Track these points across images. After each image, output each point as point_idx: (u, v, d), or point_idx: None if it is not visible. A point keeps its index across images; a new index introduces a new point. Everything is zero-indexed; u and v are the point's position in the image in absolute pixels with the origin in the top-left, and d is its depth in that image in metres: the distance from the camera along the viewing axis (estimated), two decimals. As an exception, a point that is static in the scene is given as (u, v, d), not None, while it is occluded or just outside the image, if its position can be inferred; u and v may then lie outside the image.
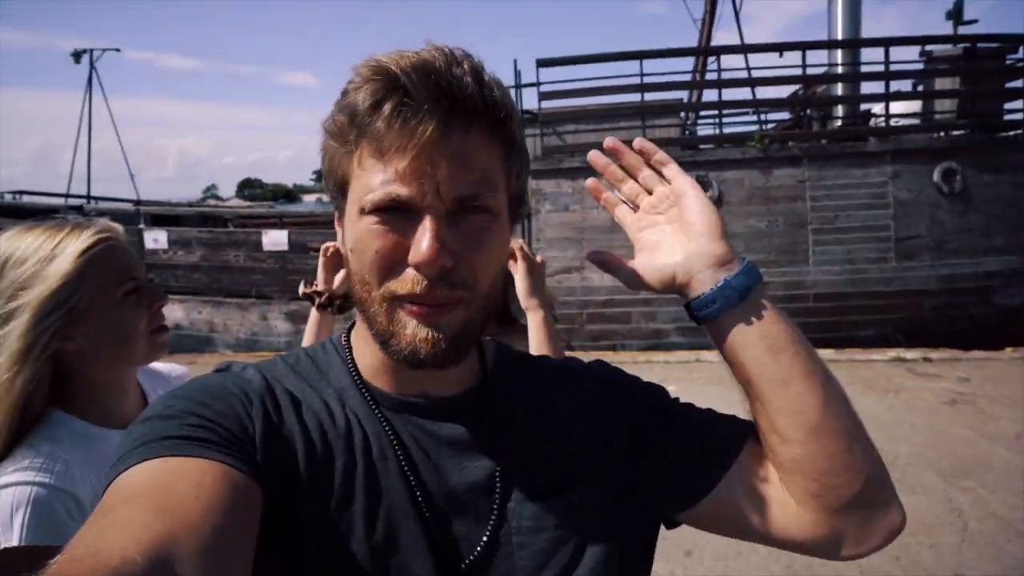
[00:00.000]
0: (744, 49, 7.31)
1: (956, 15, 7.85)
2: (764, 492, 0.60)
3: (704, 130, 9.36)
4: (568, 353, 1.07)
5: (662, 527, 0.67)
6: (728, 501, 0.61)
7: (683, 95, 8.78)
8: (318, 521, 0.52)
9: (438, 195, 0.49)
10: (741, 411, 0.64)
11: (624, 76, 7.14)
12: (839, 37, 7.73)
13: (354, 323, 0.64)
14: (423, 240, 0.49)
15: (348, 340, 0.63)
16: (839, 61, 7.53)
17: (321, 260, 1.39)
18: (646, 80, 7.05)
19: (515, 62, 7.29)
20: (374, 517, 0.54)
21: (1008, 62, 7.18)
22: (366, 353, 0.60)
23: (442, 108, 0.49)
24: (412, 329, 0.52)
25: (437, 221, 0.50)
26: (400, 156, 0.49)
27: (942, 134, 6.99)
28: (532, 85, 6.96)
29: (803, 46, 6.86)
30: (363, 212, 0.51)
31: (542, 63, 6.94)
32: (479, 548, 0.56)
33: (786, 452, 0.58)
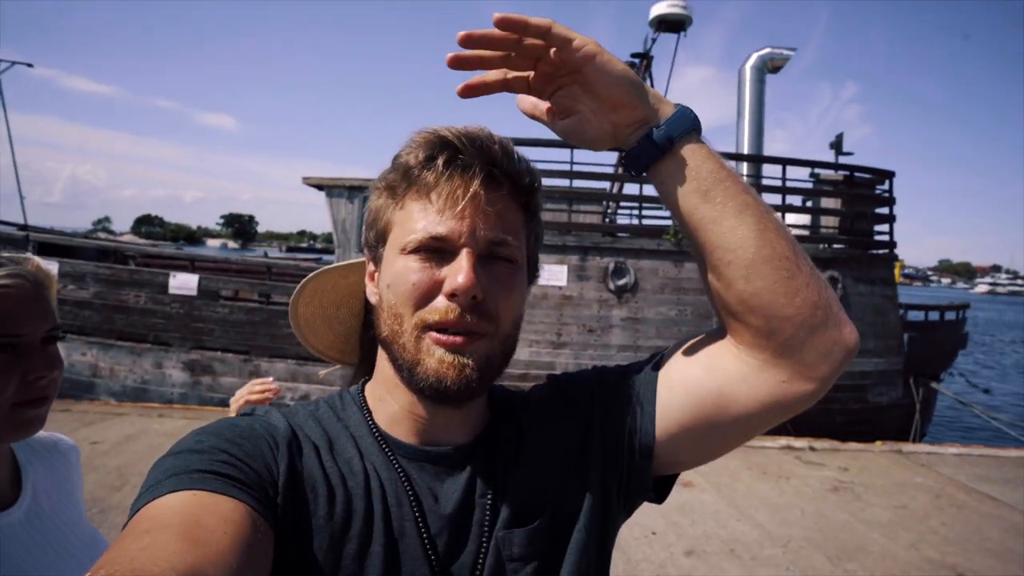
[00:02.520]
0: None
1: (837, 146, 9.08)
2: (720, 376, 0.61)
3: (623, 220, 10.05)
4: None
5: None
6: (691, 413, 0.62)
7: (606, 185, 9.43)
8: (336, 563, 0.54)
9: (474, 236, 0.56)
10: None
11: (554, 162, 7.64)
12: (745, 151, 8.71)
13: (368, 378, 0.69)
14: (460, 270, 0.55)
15: (363, 392, 0.67)
16: (744, 172, 8.44)
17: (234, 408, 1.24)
18: (575, 168, 7.54)
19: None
20: (390, 559, 0.56)
21: (877, 192, 8.34)
22: (382, 404, 0.63)
23: (484, 166, 0.57)
24: (439, 355, 0.56)
25: (473, 256, 0.56)
26: (444, 202, 0.56)
27: (827, 246, 7.89)
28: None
29: (714, 156, 7.65)
30: (404, 251, 0.58)
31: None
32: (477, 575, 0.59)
33: (732, 294, 0.59)
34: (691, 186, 0.59)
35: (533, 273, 0.66)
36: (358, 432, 0.62)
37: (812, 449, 5.88)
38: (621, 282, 6.94)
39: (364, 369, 1.29)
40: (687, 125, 0.59)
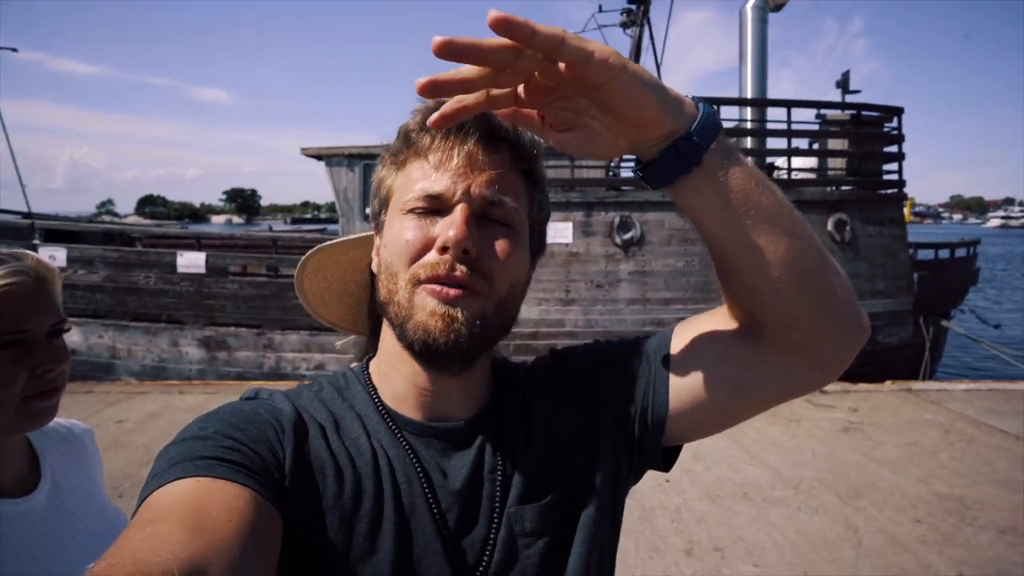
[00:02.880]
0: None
1: (844, 85, 8.83)
2: (736, 365, 0.62)
3: (627, 173, 9.91)
4: None
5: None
6: (704, 397, 0.63)
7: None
8: (348, 543, 0.54)
9: (468, 194, 0.56)
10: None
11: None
12: (749, 96, 8.50)
13: (372, 355, 0.68)
14: (453, 222, 0.55)
15: (367, 370, 0.67)
16: (748, 117, 8.26)
17: None
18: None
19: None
20: (402, 537, 0.56)
21: (885, 130, 8.16)
22: (387, 381, 0.63)
23: (480, 129, 0.57)
24: (431, 307, 0.55)
25: (467, 210, 0.56)
26: (440, 161, 0.57)
27: (834, 188, 7.78)
28: (467, 120, 7.12)
29: (718, 102, 7.48)
30: (401, 212, 0.58)
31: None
32: (487, 554, 0.59)
33: (764, 314, 0.58)
34: (718, 201, 0.53)
35: (538, 246, 0.66)
36: (364, 410, 0.62)
37: (822, 392, 5.95)
38: (627, 236, 6.91)
39: (371, 344, 1.33)
40: (714, 131, 0.51)
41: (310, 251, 1.20)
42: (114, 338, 7.19)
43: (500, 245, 0.58)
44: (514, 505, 0.61)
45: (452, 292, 0.55)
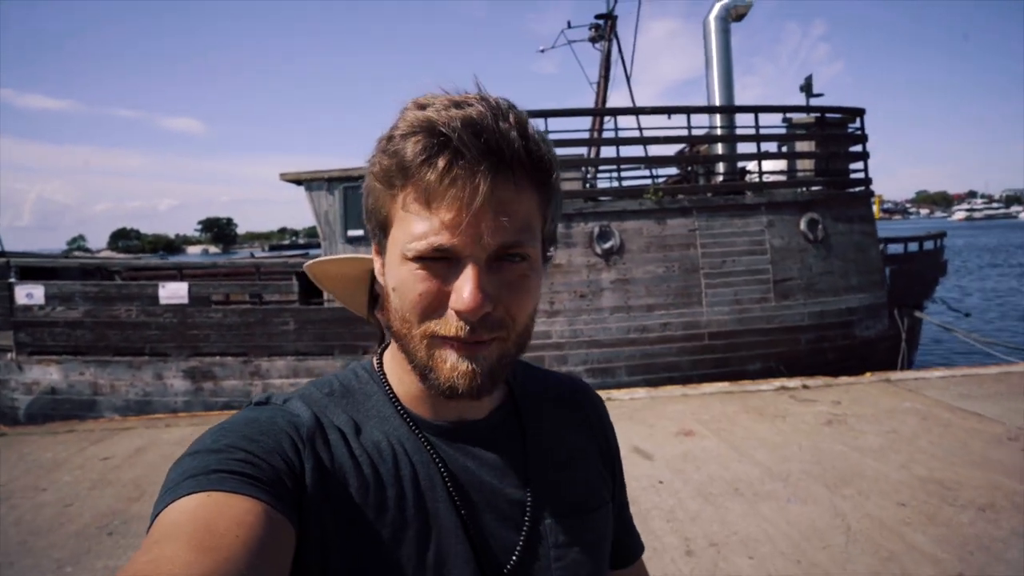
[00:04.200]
0: (637, 111, 8.08)
1: (807, 89, 9.12)
2: None
3: (602, 183, 10.09)
4: None
5: None
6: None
7: (583, 151, 9.46)
8: (371, 551, 0.54)
9: (480, 244, 0.51)
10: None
11: (530, 132, 7.61)
12: (717, 103, 8.75)
13: (384, 348, 0.67)
14: (465, 288, 0.51)
15: (381, 367, 0.65)
16: (718, 124, 8.49)
17: None
18: (552, 136, 7.53)
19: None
20: (425, 543, 0.56)
21: (849, 130, 8.44)
22: (404, 381, 0.62)
23: (491, 165, 0.50)
24: (452, 363, 0.54)
25: (478, 269, 0.51)
26: (447, 210, 0.50)
27: (805, 189, 8.01)
28: (444, 139, 7.21)
29: (688, 110, 7.69)
30: (406, 258, 0.53)
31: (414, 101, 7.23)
32: (515, 556, 0.60)
33: None
34: None
35: (549, 253, 0.62)
36: (383, 412, 0.61)
37: (805, 387, 6.09)
38: (607, 245, 7.04)
39: (379, 340, 1.43)
40: None
41: (308, 262, 1.33)
42: (96, 374, 7.09)
43: (517, 285, 0.55)
44: (543, 511, 0.62)
45: (471, 349, 0.54)
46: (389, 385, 0.63)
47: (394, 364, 0.63)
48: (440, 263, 0.52)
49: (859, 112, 8.26)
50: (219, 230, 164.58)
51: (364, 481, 0.56)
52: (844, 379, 6.30)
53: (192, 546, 0.42)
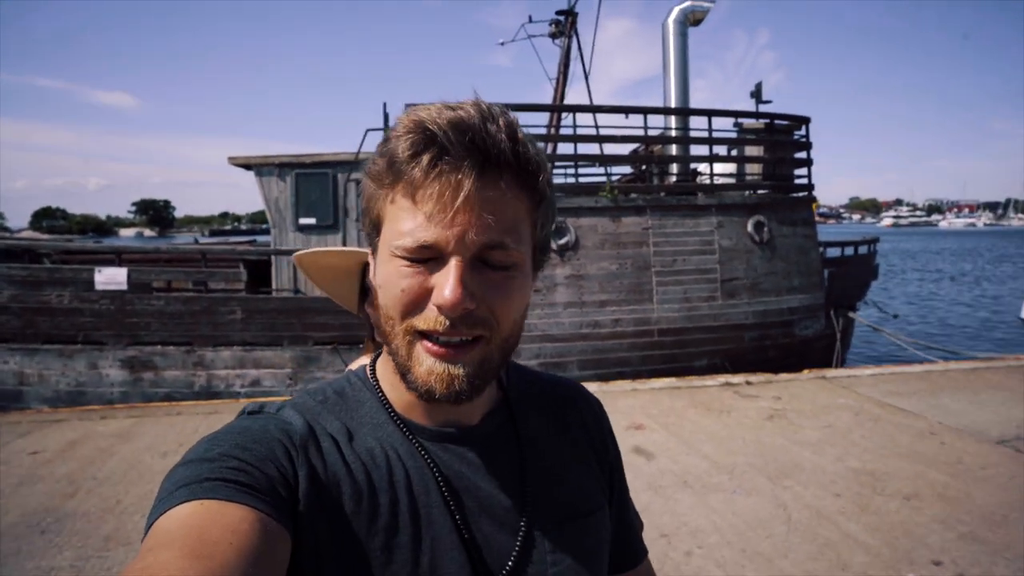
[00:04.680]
0: (595, 109, 8.18)
1: (757, 95, 9.46)
2: None
3: (558, 180, 10.19)
4: None
5: None
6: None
7: (540, 146, 9.48)
8: (364, 558, 0.54)
9: (463, 242, 0.51)
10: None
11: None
12: (672, 105, 8.96)
13: (377, 356, 0.67)
14: (447, 283, 0.51)
15: (375, 374, 0.65)
16: (673, 125, 8.70)
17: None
18: (510, 131, 7.54)
19: (384, 104, 7.43)
20: (419, 549, 0.56)
21: (795, 137, 8.82)
22: (397, 387, 0.61)
23: (475, 162, 0.51)
24: (428, 365, 0.54)
25: (462, 265, 0.52)
26: (432, 205, 0.51)
27: (752, 192, 8.32)
28: (402, 128, 7.11)
29: (644, 111, 7.84)
30: (393, 255, 0.54)
31: (411, 107, 7.14)
32: (511, 562, 0.59)
33: None
34: None
35: (541, 259, 0.61)
36: (376, 419, 0.61)
37: (748, 383, 6.35)
38: (562, 241, 7.11)
39: (369, 335, 1.44)
40: None
41: (297, 253, 1.34)
42: (22, 363, 6.67)
43: (501, 288, 0.54)
44: (538, 516, 0.62)
45: (450, 351, 0.54)
46: (382, 391, 0.63)
47: (387, 371, 0.63)
48: (425, 261, 0.53)
49: (805, 120, 8.64)
50: (155, 212, 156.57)
51: (357, 488, 0.56)
52: (784, 376, 6.61)
53: (185, 553, 0.42)
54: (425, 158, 0.51)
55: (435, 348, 0.53)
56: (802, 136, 8.75)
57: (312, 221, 7.50)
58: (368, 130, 7.01)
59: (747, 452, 4.38)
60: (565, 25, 10.16)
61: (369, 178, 0.56)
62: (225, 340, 6.66)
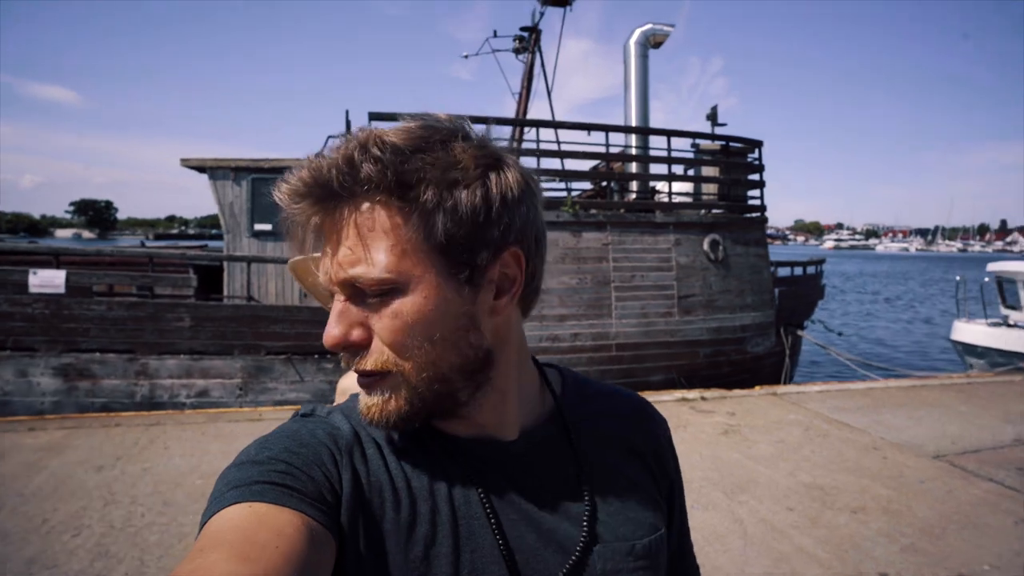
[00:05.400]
0: (557, 125, 8.28)
1: (713, 118, 9.80)
2: None
3: (520, 193, 10.20)
4: None
5: None
6: None
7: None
8: (403, 568, 0.54)
9: (332, 281, 0.53)
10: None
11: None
12: (633, 124, 9.16)
13: None
14: (328, 323, 0.54)
15: None
16: (633, 144, 8.89)
17: None
18: (474, 143, 7.55)
19: (346, 112, 7.32)
20: (458, 561, 0.55)
21: (749, 159, 9.14)
22: None
23: (313, 204, 0.52)
24: (362, 397, 0.56)
25: (339, 303, 0.53)
26: (310, 253, 0.55)
27: (707, 211, 8.57)
28: (365, 136, 7.02)
29: (606, 128, 7.99)
30: None
31: (374, 116, 7.06)
32: None
33: None
34: None
35: (461, 264, 0.54)
36: (417, 427, 0.60)
37: (703, 399, 6.49)
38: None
39: None
40: None
41: (295, 258, 1.28)
42: (-59, 370, 6.19)
43: (388, 311, 0.53)
44: (590, 537, 0.60)
45: (365, 381, 0.55)
46: None
47: None
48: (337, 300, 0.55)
49: (758, 143, 8.97)
50: (95, 213, 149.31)
51: (398, 495, 0.56)
52: (737, 392, 6.78)
53: (233, 556, 0.43)
54: (285, 215, 0.53)
55: (361, 380, 0.56)
56: (755, 159, 9.08)
57: (268, 227, 7.28)
58: (329, 137, 6.89)
59: (704, 467, 4.45)
60: (529, 41, 10.29)
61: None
62: (171, 348, 6.36)
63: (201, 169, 7.28)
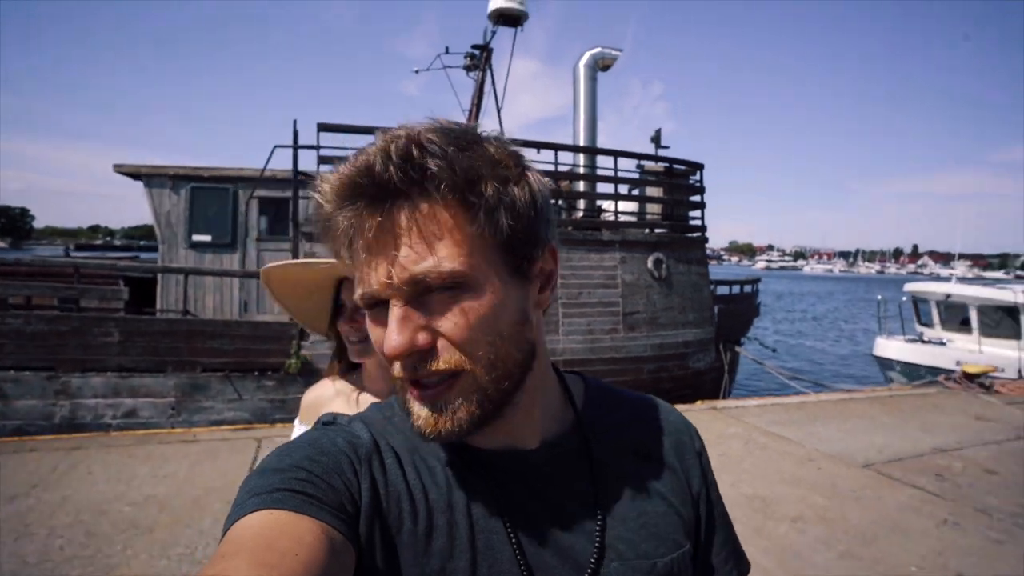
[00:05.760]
0: (509, 142, 8.34)
1: (656, 140, 10.15)
2: None
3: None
4: None
5: None
6: None
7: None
8: None
9: (392, 284, 0.50)
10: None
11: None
12: (581, 143, 9.38)
13: None
14: (388, 332, 0.51)
15: None
16: (581, 163, 9.09)
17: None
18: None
19: (294, 122, 7.13)
20: (476, 574, 0.54)
21: (691, 181, 9.51)
22: None
23: (364, 210, 0.50)
24: (415, 410, 0.54)
25: (399, 309, 0.51)
26: (357, 256, 0.52)
27: (651, 231, 8.83)
28: (312, 147, 6.87)
29: (556, 147, 8.13)
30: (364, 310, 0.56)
31: (323, 127, 6.94)
32: None
33: None
34: None
35: (524, 263, 0.55)
36: None
37: (649, 413, 6.62)
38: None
39: (338, 354, 1.35)
40: None
41: (271, 264, 1.23)
42: None
43: (455, 310, 0.51)
44: (608, 552, 0.59)
45: (429, 391, 0.53)
46: None
47: None
48: (381, 310, 0.53)
49: (699, 166, 9.36)
50: (8, 221, 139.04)
51: (415, 507, 0.55)
52: (680, 406, 6.96)
53: (253, 563, 0.43)
54: (333, 217, 0.51)
55: (416, 392, 0.53)
56: (696, 181, 9.45)
57: (207, 238, 6.99)
58: (276, 147, 6.71)
59: (651, 480, 4.53)
60: (480, 59, 10.40)
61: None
62: (97, 365, 5.96)
63: (136, 176, 6.92)
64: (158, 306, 6.83)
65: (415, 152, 0.49)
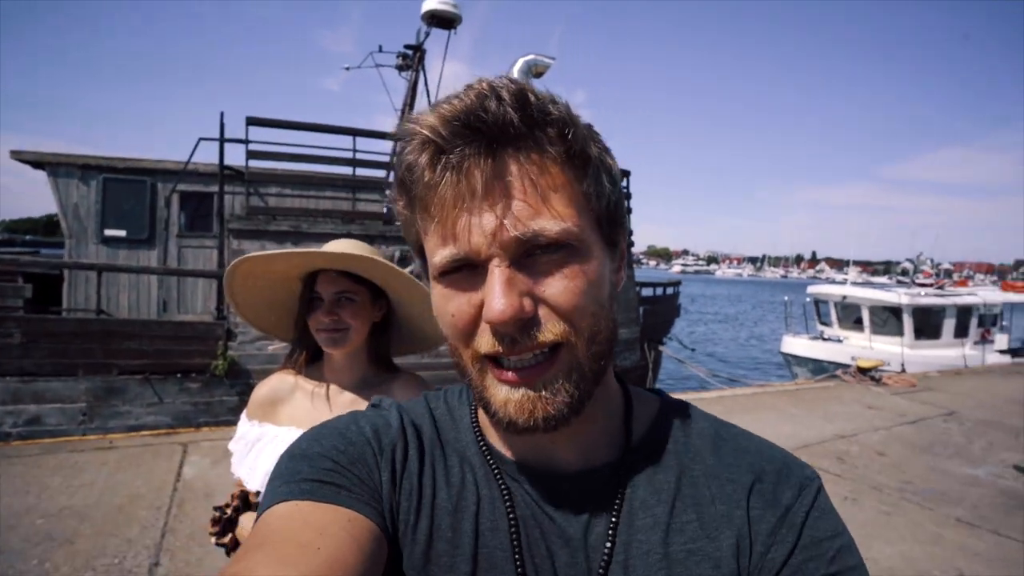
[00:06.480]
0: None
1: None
2: None
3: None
4: None
5: None
6: None
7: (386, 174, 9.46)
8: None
9: (497, 241, 0.44)
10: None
11: (334, 148, 7.38)
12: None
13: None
14: (492, 296, 0.44)
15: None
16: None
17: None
18: (358, 156, 7.42)
19: (221, 115, 6.82)
20: None
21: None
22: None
23: (480, 149, 0.44)
24: (504, 394, 0.47)
25: (504, 270, 0.45)
26: (449, 213, 0.45)
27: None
28: (240, 141, 6.61)
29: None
30: (435, 279, 0.49)
31: (251, 121, 6.69)
32: None
33: None
34: None
35: (613, 234, 0.51)
36: (465, 439, 0.56)
37: (580, 409, 6.86)
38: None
39: (301, 347, 1.34)
40: None
41: (236, 260, 1.21)
42: None
43: (560, 274, 0.46)
44: None
45: (525, 373, 0.46)
46: (477, 415, 0.58)
47: None
48: (467, 276, 0.47)
49: (626, 173, 9.78)
50: None
51: (420, 504, 0.52)
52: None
53: (273, 559, 0.42)
54: (425, 164, 0.45)
55: (507, 375, 0.47)
56: (624, 187, 9.85)
57: (122, 233, 6.56)
58: (201, 139, 6.39)
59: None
60: (413, 59, 10.35)
61: (395, 198, 0.51)
62: (-5, 370, 5.46)
63: (39, 164, 6.38)
64: (64, 304, 6.33)
65: (531, 96, 0.45)
